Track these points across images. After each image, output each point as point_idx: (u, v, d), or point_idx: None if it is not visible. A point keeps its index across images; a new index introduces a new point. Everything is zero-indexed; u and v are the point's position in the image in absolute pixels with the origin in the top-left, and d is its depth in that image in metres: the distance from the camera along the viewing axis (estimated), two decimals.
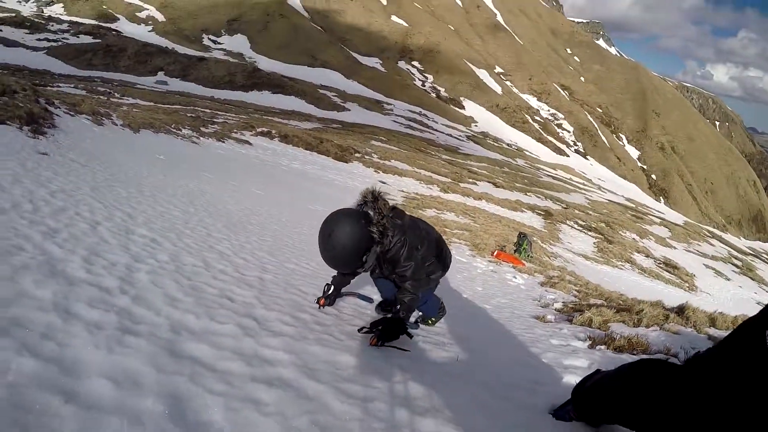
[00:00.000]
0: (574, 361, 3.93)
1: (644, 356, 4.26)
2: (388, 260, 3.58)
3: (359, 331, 3.60)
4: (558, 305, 7.63)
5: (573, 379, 2.64)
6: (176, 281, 3.69)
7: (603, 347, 4.58)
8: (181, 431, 1.82)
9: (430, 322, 4.47)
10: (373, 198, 3.56)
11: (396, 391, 2.75)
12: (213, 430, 1.90)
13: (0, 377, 1.82)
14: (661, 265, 23.22)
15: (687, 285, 20.63)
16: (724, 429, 1.71)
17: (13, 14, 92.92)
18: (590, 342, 4.81)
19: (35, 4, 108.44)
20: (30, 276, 2.90)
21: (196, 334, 2.81)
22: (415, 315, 4.26)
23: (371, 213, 3.47)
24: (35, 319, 2.39)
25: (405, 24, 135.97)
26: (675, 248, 30.43)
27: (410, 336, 3.68)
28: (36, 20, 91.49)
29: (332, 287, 4.09)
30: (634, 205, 61.54)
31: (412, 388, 2.82)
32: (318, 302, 4.04)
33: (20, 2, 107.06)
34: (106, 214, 5.22)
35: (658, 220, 42.99)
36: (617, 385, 2.29)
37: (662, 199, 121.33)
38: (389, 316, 3.66)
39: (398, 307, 3.60)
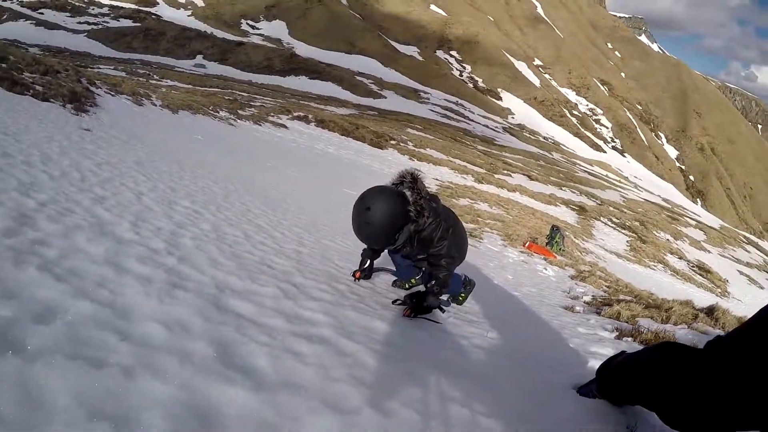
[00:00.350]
0: (600, 348, 3.99)
1: None
2: (421, 240, 3.62)
3: (393, 303, 3.71)
4: (587, 298, 7.65)
5: (598, 364, 2.73)
6: (218, 248, 3.88)
7: (630, 339, 4.62)
8: (229, 372, 1.98)
9: (460, 298, 4.54)
10: (412, 179, 3.59)
11: (428, 355, 2.88)
12: (258, 373, 2.05)
13: (60, 316, 2.00)
14: (694, 268, 22.83)
15: (719, 290, 20.26)
16: (744, 412, 1.74)
17: None
18: (617, 333, 4.84)
19: None
20: (83, 234, 3.10)
21: (240, 293, 2.97)
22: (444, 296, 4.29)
23: (408, 193, 3.51)
24: (89, 270, 2.58)
25: (444, 13, 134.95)
26: (709, 252, 29.83)
27: (443, 310, 3.79)
28: (77, 4, 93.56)
29: (368, 261, 4.18)
30: (670, 206, 60.36)
31: (443, 354, 2.96)
32: (354, 275, 4.14)
33: None
34: (150, 185, 5.47)
35: (693, 223, 42.11)
36: (640, 366, 2.31)
37: (699, 201, 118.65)
38: (423, 290, 3.70)
39: (432, 282, 3.63)
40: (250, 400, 1.84)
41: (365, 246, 4.10)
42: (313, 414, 1.90)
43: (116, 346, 1.92)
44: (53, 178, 4.37)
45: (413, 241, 3.68)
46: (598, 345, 4.14)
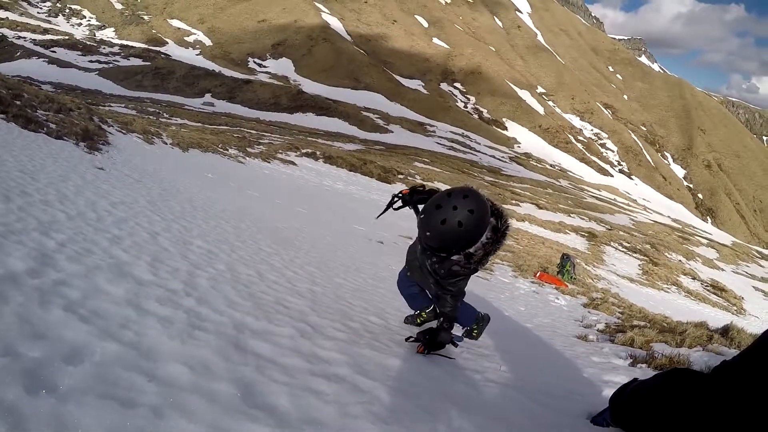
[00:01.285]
0: (614, 377, 4.00)
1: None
2: (449, 269, 3.26)
3: (406, 340, 3.74)
4: (600, 326, 7.63)
5: (611, 392, 2.76)
6: (234, 288, 3.97)
7: (644, 365, 4.62)
8: (253, 411, 2.06)
9: (474, 333, 4.20)
10: (505, 226, 3.23)
11: (442, 390, 2.94)
12: (280, 411, 2.14)
13: (88, 357, 2.10)
14: (708, 288, 22.64)
15: (735, 308, 20.05)
16: None
17: (67, 37, 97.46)
18: (631, 360, 4.85)
19: (87, 28, 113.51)
20: (103, 275, 3.21)
21: (257, 333, 3.06)
22: (458, 329, 4.17)
23: (490, 231, 3.14)
24: (112, 311, 2.68)
25: (446, 46, 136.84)
26: (723, 270, 29.60)
27: (456, 345, 3.79)
28: (88, 43, 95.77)
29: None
30: (680, 226, 60.02)
31: (457, 389, 3.01)
32: (401, 192, 3.61)
33: (73, 26, 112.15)
34: (164, 225, 5.59)
35: (705, 241, 41.86)
36: (650, 393, 2.33)
37: (709, 219, 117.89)
38: (435, 327, 3.67)
39: (441, 319, 3.58)
40: None
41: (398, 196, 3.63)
42: None
43: (144, 386, 2.01)
44: (71, 217, 4.50)
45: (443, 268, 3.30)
46: (612, 373, 4.16)
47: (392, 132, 76.23)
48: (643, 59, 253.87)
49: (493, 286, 9.88)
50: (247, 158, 21.66)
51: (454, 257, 3.15)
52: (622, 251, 25.17)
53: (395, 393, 2.64)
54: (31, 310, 2.36)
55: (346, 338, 3.49)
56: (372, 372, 2.90)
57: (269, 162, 22.72)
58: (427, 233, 3.06)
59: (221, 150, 20.97)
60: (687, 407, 2.01)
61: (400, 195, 3.58)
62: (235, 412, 2.01)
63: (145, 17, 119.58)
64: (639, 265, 22.94)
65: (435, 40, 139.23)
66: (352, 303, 4.74)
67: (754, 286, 27.49)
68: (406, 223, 14.53)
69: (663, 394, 2.21)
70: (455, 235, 2.94)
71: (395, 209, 3.58)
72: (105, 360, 2.12)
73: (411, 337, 3.74)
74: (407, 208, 3.60)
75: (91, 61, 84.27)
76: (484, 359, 3.93)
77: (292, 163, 24.45)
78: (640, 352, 5.36)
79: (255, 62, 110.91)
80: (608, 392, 3.36)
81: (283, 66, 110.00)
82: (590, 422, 2.78)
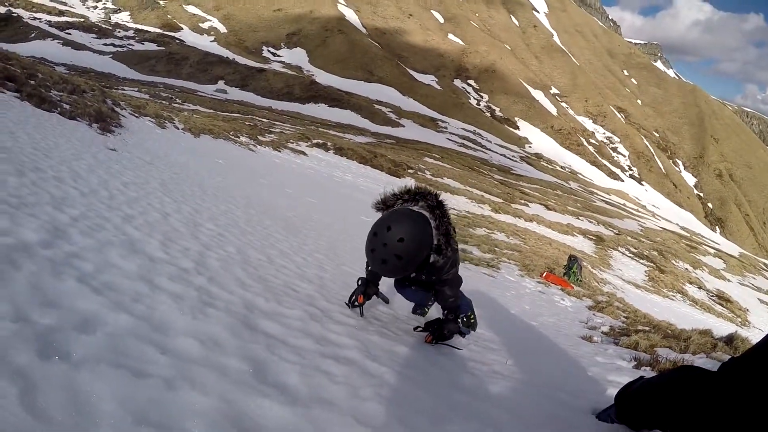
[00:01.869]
0: (618, 377, 3.99)
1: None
2: (432, 267, 3.28)
3: (415, 329, 3.75)
4: (605, 329, 7.61)
5: (616, 391, 2.76)
6: (244, 270, 4.00)
7: (648, 368, 4.61)
8: (264, 387, 2.08)
9: (472, 320, 4.35)
10: (437, 204, 3.23)
11: (450, 378, 2.96)
12: (291, 389, 2.16)
13: (101, 327, 2.11)
14: (713, 298, 22.53)
15: (740, 320, 19.95)
16: None
17: (82, 19, 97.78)
18: (635, 363, 4.84)
19: (103, 11, 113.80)
20: (115, 250, 3.23)
21: (268, 314, 3.08)
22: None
23: (428, 215, 3.13)
24: (125, 285, 2.70)
25: (461, 43, 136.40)
26: (729, 281, 29.44)
27: (463, 335, 3.82)
28: (103, 26, 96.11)
29: (369, 283, 3.78)
30: (688, 234, 59.74)
31: (465, 378, 3.03)
32: (355, 301, 3.80)
33: (89, 9, 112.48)
34: (175, 207, 5.62)
35: (712, 251, 41.60)
36: (658, 389, 2.32)
37: (718, 229, 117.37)
38: (441, 318, 3.65)
39: (445, 312, 3.56)
40: (286, 414, 1.94)
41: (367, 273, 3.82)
42: (347, 428, 1.99)
43: (156, 358, 2.03)
44: (84, 194, 4.53)
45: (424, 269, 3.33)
46: (616, 374, 4.15)
47: (404, 126, 76.13)
48: (659, 64, 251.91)
49: (499, 284, 9.88)
50: (258, 146, 21.72)
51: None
52: (629, 256, 25.07)
53: (404, 379, 2.65)
54: (44, 279, 2.37)
55: (356, 324, 3.50)
56: (381, 357, 2.92)
57: (280, 151, 22.76)
58: (387, 275, 3.28)
59: (232, 137, 21.03)
60: (695, 404, 2.00)
61: (358, 304, 3.78)
62: (246, 387, 2.03)
63: (161, 2, 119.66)
64: (645, 271, 22.85)
65: (450, 36, 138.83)
66: None
67: (759, 299, 27.32)
68: None
69: (671, 391, 2.19)
70: (405, 262, 2.99)
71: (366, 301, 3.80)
72: (117, 331, 2.13)
73: (419, 326, 3.74)
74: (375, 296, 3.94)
75: (105, 45, 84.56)
76: (491, 352, 3.94)
77: (303, 153, 24.48)
78: (644, 355, 5.35)
79: (269, 51, 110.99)
80: (612, 391, 3.35)
81: (297, 56, 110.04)
82: (595, 418, 2.77)
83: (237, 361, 2.23)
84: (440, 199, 3.29)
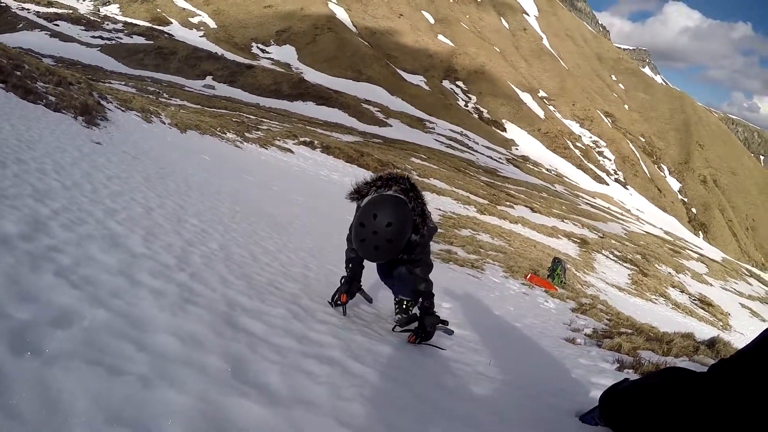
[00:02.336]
0: (601, 379, 4.00)
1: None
2: (411, 247, 3.32)
3: (393, 329, 3.73)
4: (588, 331, 7.63)
5: (599, 393, 2.76)
6: (227, 267, 3.95)
7: (630, 371, 4.63)
8: (244, 387, 2.04)
9: (405, 306, 4.02)
10: (410, 186, 3.37)
11: (434, 379, 2.94)
12: (271, 389, 2.11)
13: (77, 322, 2.07)
14: (695, 302, 22.75)
15: (721, 323, 20.18)
16: None
17: (71, 11, 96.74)
18: (618, 365, 4.85)
19: (92, 3, 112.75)
20: (95, 244, 3.17)
21: (250, 312, 3.03)
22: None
23: (407, 202, 3.21)
24: (104, 279, 2.64)
25: (451, 44, 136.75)
26: (711, 285, 29.79)
27: (449, 333, 3.78)
28: (92, 18, 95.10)
29: (353, 281, 3.79)
30: (672, 239, 60.34)
31: (448, 379, 3.01)
32: (338, 300, 3.76)
33: (78, 0, 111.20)
34: (158, 202, 5.55)
35: (695, 255, 42.09)
36: (645, 391, 2.31)
37: (701, 234, 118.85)
38: (419, 313, 3.58)
39: (420, 300, 3.50)
40: (266, 414, 1.90)
41: (349, 270, 3.79)
42: (329, 429, 1.95)
43: (133, 355, 1.98)
44: (66, 187, 4.47)
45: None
46: (599, 376, 4.16)
47: (391, 126, 76.13)
48: (647, 70, 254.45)
49: (484, 285, 9.89)
50: (245, 143, 21.56)
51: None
52: (613, 260, 25.24)
53: (386, 379, 2.63)
54: (22, 273, 2.32)
55: (338, 323, 3.47)
56: (363, 357, 2.88)
57: (267, 148, 22.62)
58: (379, 260, 3.29)
59: (219, 133, 20.86)
60: (683, 406, 2.00)
61: (341, 303, 3.74)
62: (225, 386, 1.98)
63: None
64: (629, 274, 23.01)
65: (440, 37, 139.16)
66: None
67: (741, 303, 27.67)
68: None
69: (659, 393, 2.18)
70: (396, 244, 3.08)
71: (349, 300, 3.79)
72: (94, 326, 2.08)
73: (397, 326, 3.73)
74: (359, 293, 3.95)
75: (93, 37, 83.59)
76: (475, 353, 3.93)
77: (290, 150, 24.35)
78: (627, 357, 5.37)
79: (258, 48, 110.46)
80: (596, 393, 3.35)
81: (287, 53, 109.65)
82: (579, 420, 2.77)
83: (217, 360, 2.19)
84: (412, 182, 3.42)
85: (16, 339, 1.77)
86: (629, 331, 8.08)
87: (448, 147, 71.74)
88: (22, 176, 4.16)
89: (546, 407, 2.88)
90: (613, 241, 31.34)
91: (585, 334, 7.32)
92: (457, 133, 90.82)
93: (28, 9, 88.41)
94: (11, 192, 3.60)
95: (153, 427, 1.62)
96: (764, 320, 25.47)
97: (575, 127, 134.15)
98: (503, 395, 2.95)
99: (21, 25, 77.18)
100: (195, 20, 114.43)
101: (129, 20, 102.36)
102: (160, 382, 1.85)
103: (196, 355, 2.17)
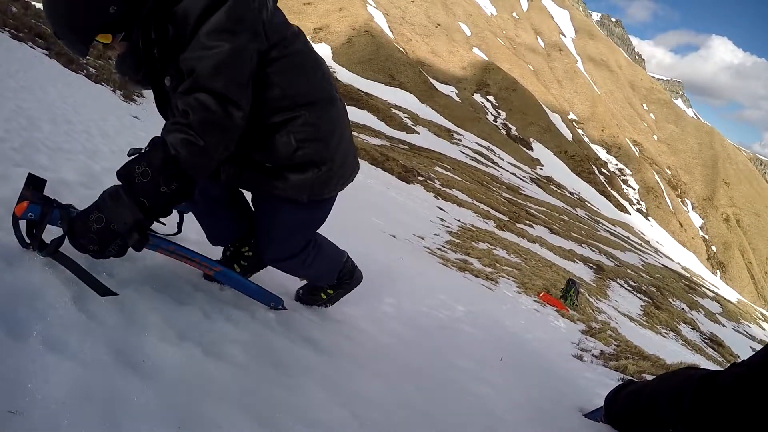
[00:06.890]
0: (605, 391, 4.11)
1: None
2: (170, 41, 1.86)
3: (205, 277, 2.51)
4: (595, 352, 7.74)
5: (603, 400, 2.87)
6: None
7: None
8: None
9: (323, 295, 2.85)
10: None
11: (450, 362, 3.13)
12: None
13: (140, 259, 2.26)
14: (706, 340, 22.59)
15: (729, 365, 20.00)
16: None
17: None
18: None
19: None
20: None
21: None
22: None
23: None
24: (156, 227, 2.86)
25: (486, 57, 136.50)
26: (724, 326, 29.50)
27: (275, 307, 2.53)
28: None
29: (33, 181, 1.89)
30: (688, 275, 59.69)
31: (466, 363, 3.20)
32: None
33: None
34: None
35: (711, 294, 41.65)
36: (655, 391, 2.25)
37: (719, 273, 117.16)
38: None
39: (147, 149, 1.92)
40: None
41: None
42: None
43: (191, 292, 2.15)
44: (113, 152, 4.72)
45: (151, 49, 1.92)
46: (604, 389, 4.18)
47: (419, 133, 75.99)
48: (679, 102, 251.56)
49: (497, 297, 10.03)
50: None
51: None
52: (627, 289, 25.12)
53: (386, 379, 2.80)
54: None
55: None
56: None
57: None
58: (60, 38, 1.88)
59: None
60: (699, 408, 1.95)
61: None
62: (269, 329, 2.25)
63: None
64: (641, 305, 22.87)
65: (475, 50, 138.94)
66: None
67: (752, 347, 27.34)
68: (420, 223, 14.76)
69: (670, 395, 2.13)
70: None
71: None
72: (156, 264, 2.34)
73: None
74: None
75: None
76: (489, 348, 4.10)
77: None
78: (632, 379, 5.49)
79: None
80: (600, 401, 3.51)
81: (322, 52, 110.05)
82: (583, 416, 2.85)
83: (265, 312, 2.43)
84: None
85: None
86: (636, 357, 8.19)
87: (473, 160, 71.54)
88: (73, 135, 4.43)
89: (551, 402, 3.05)
90: (629, 271, 31.16)
91: (592, 354, 7.44)
92: (484, 147, 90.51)
93: None
94: (65, 147, 3.87)
95: (217, 350, 1.85)
96: None
97: (602, 152, 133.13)
98: (511, 385, 3.11)
99: None
100: None
101: None
102: (218, 317, 2.10)
103: (244, 302, 2.41)
